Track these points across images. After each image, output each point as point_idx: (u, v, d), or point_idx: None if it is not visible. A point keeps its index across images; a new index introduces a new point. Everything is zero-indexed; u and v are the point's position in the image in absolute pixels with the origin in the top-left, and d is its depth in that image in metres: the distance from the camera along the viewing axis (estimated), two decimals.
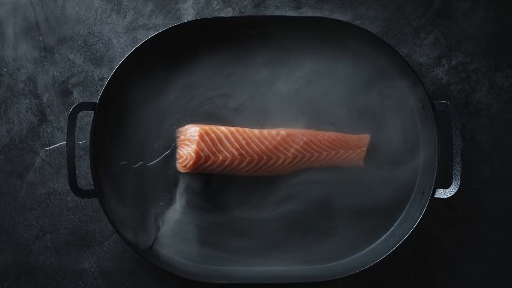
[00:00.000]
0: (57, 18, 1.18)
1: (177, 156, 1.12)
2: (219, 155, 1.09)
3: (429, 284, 1.14)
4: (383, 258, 1.06)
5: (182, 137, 1.11)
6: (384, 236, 1.12)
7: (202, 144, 1.08)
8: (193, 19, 1.17)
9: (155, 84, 1.13)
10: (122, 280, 1.14)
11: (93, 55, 1.17)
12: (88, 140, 1.08)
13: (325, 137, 1.11)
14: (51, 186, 1.15)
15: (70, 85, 1.17)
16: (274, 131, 1.11)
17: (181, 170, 1.11)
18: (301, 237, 1.12)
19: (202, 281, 1.07)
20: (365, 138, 1.13)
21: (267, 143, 1.09)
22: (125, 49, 1.17)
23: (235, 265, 1.11)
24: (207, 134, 1.08)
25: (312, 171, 1.13)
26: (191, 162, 1.08)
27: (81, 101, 1.16)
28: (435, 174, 1.06)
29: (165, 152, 1.12)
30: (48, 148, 1.16)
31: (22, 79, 1.17)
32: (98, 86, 1.17)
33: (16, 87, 1.17)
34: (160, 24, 1.18)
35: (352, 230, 1.12)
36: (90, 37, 1.18)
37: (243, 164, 1.09)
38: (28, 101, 1.17)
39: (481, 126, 1.16)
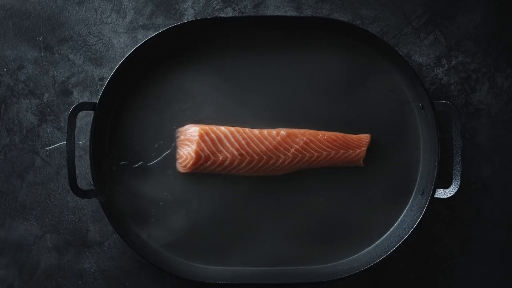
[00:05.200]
0: (57, 18, 1.18)
1: (177, 156, 1.12)
2: (219, 155, 1.09)
3: (429, 284, 1.14)
4: (383, 258, 1.06)
5: (182, 137, 1.11)
6: (384, 236, 1.12)
7: (202, 144, 1.08)
8: (193, 19, 1.16)
9: (155, 84, 1.13)
10: (122, 280, 1.14)
11: (93, 55, 1.17)
12: (88, 140, 1.08)
13: (325, 137, 1.11)
14: (51, 186, 1.15)
15: (70, 85, 1.17)
16: (274, 131, 1.11)
17: (181, 170, 1.11)
18: (300, 237, 1.12)
19: (202, 281, 1.07)
20: (365, 138, 1.13)
21: (267, 143, 1.10)
22: (125, 49, 1.17)
23: (235, 265, 1.11)
24: (207, 134, 1.08)
25: (312, 171, 1.13)
26: (191, 162, 1.08)
27: (81, 101, 1.16)
28: (435, 174, 1.06)
29: (165, 152, 1.12)
30: (48, 148, 1.16)
31: (22, 79, 1.17)
32: (98, 86, 1.16)
33: (16, 87, 1.17)
34: (160, 24, 1.17)
35: (351, 230, 1.12)
36: (90, 37, 1.18)
37: (243, 164, 1.09)
38: (28, 101, 1.16)
39: (481, 126, 1.16)
